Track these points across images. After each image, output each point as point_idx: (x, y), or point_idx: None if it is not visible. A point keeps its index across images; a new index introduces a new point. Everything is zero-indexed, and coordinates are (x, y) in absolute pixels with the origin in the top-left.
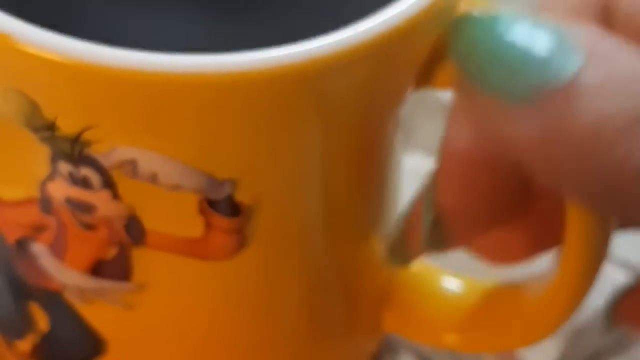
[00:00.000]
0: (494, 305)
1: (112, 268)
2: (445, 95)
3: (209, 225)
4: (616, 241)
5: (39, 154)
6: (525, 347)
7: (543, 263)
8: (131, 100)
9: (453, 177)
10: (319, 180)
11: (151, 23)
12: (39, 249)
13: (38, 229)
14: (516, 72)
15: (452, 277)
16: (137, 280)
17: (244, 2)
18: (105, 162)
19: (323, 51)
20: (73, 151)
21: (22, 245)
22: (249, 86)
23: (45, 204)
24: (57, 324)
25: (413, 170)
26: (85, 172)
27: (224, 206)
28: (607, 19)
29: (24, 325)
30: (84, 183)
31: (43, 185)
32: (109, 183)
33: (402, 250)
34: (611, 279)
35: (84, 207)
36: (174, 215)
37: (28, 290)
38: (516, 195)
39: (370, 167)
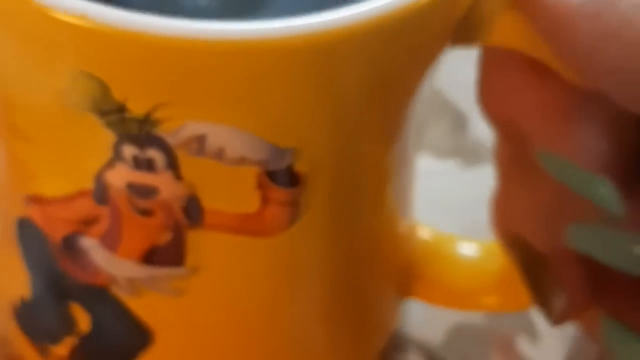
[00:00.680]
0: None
1: (166, 254)
2: (453, 97)
3: (265, 199)
4: None
5: (100, 141)
6: None
7: None
8: (205, 72)
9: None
10: (365, 148)
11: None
12: (89, 243)
13: (88, 223)
14: None
15: (468, 242)
16: (190, 264)
17: None
18: (173, 140)
19: (378, 12)
20: (141, 132)
21: (69, 242)
22: (312, 49)
23: (100, 194)
24: (101, 321)
25: (422, 171)
26: (151, 153)
27: (283, 177)
28: None
29: (62, 328)
30: (148, 165)
31: (100, 174)
32: (172, 164)
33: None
34: None
35: (146, 191)
36: (231, 192)
37: (70, 289)
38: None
39: (403, 135)
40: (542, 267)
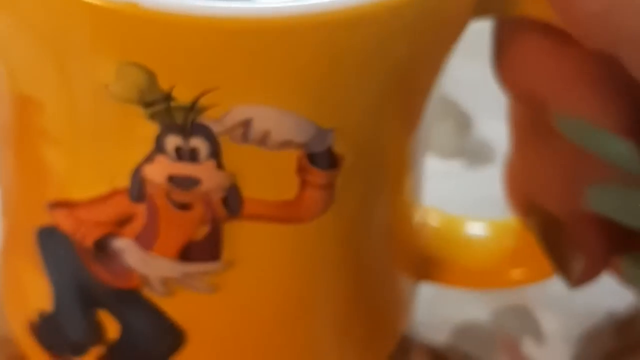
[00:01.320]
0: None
1: (202, 248)
2: (457, 97)
3: (304, 184)
4: None
5: (142, 134)
6: None
7: None
8: (252, 52)
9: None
10: (393, 130)
11: None
12: (123, 243)
13: (122, 223)
14: None
15: (477, 221)
16: (226, 258)
17: None
18: (217, 127)
19: None
20: (186, 121)
21: (101, 245)
22: (353, 25)
23: (137, 191)
24: (131, 326)
25: (427, 172)
26: (195, 142)
27: (323, 159)
28: None
29: (89, 338)
30: (191, 156)
31: (138, 170)
32: (215, 152)
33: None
34: None
35: (187, 183)
36: (271, 179)
37: (99, 296)
38: None
39: (423, 120)
40: (560, 232)
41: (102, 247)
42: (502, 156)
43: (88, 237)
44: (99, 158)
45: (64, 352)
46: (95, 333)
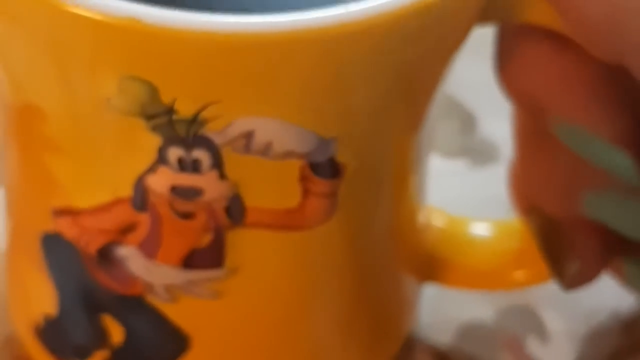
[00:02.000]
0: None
1: (205, 256)
2: (462, 97)
3: (306, 192)
4: None
5: (144, 146)
6: None
7: None
8: (254, 66)
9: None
10: (396, 135)
11: None
12: (127, 251)
13: (125, 231)
14: None
15: (481, 222)
16: (229, 265)
17: None
18: (220, 139)
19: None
20: (189, 133)
21: (104, 252)
22: (355, 37)
23: (140, 200)
24: (136, 331)
25: (431, 171)
26: (197, 154)
27: (325, 168)
28: None
29: (94, 342)
30: (194, 167)
31: (140, 180)
32: (218, 163)
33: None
34: None
35: (190, 193)
36: (274, 188)
37: (103, 302)
38: None
39: (426, 123)
40: (557, 235)
41: (105, 255)
42: (506, 156)
43: (91, 245)
44: (102, 167)
45: (69, 356)
46: (100, 337)
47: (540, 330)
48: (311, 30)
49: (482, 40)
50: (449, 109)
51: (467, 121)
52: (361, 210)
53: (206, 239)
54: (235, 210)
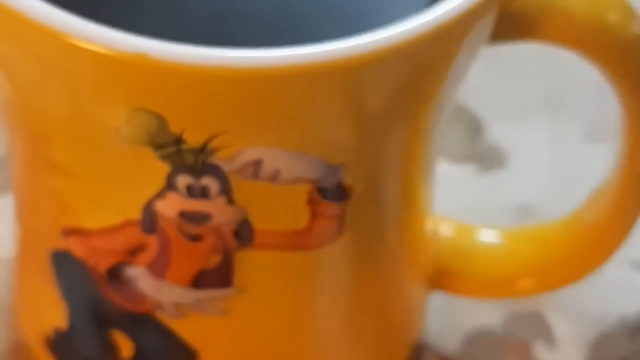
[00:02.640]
0: (549, 243)
1: (214, 276)
2: (468, 102)
3: (314, 214)
4: None
5: (153, 173)
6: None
7: None
8: (262, 98)
9: None
10: (404, 155)
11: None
12: (136, 271)
13: (134, 252)
14: None
15: (489, 229)
16: (237, 284)
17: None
18: (228, 167)
19: (422, 29)
20: (197, 162)
21: (114, 272)
22: (362, 68)
23: (148, 223)
24: (145, 346)
25: (438, 176)
26: (206, 181)
27: (333, 192)
28: None
29: (104, 356)
30: (202, 193)
31: (149, 204)
32: (226, 189)
33: None
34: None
35: (198, 218)
36: (282, 211)
37: (112, 317)
38: None
39: (435, 139)
40: None
41: (114, 274)
42: (514, 161)
43: (101, 265)
44: (111, 191)
45: None
46: (110, 351)
47: (548, 336)
48: (320, 63)
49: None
50: (455, 113)
51: (474, 125)
52: (369, 227)
53: (214, 260)
54: (243, 233)
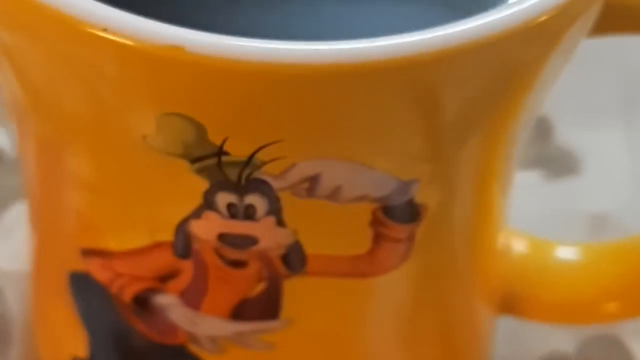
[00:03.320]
0: (637, 261)
1: (258, 307)
2: None
3: (378, 237)
4: None
5: (188, 190)
6: None
7: None
8: (322, 101)
9: None
10: (484, 172)
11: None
12: (167, 300)
13: (165, 278)
14: None
15: (568, 246)
16: (285, 315)
17: None
18: (278, 184)
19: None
20: (241, 177)
21: (142, 300)
22: (439, 65)
23: (182, 246)
24: None
25: None
26: (251, 199)
27: (402, 212)
28: None
29: None
30: (247, 214)
31: (182, 225)
32: (275, 209)
33: None
34: None
35: (242, 242)
36: (340, 233)
37: (139, 349)
38: None
39: (513, 152)
40: None
41: (142, 302)
42: (587, 166)
43: (126, 291)
44: (137, 209)
45: None
46: None
47: None
48: (395, 58)
49: None
50: None
51: (543, 127)
52: (440, 250)
53: (259, 288)
54: (294, 259)
